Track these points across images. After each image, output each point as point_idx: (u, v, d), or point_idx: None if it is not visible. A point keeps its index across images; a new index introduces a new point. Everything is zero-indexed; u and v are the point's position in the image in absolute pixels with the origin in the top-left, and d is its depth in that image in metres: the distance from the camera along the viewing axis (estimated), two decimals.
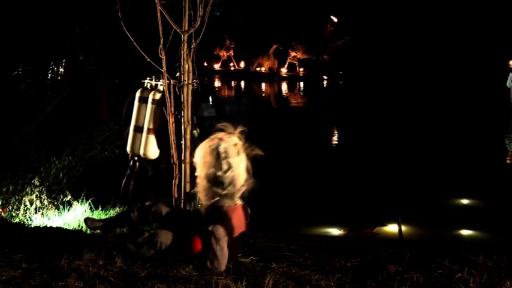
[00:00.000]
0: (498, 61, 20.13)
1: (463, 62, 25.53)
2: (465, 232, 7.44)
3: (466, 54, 26.40)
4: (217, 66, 32.74)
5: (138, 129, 5.95)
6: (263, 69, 31.09)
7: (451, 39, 28.08)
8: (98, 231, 4.92)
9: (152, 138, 5.88)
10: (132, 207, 4.78)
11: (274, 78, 30.06)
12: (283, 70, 30.84)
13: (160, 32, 5.29)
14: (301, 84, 28.93)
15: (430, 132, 14.61)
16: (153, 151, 5.87)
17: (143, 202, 4.64)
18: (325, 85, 29.01)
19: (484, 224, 7.65)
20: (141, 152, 5.99)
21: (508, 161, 12.34)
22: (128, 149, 6.17)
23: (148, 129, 5.97)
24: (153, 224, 4.53)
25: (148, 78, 6.30)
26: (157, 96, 6.01)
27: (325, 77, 29.80)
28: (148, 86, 6.24)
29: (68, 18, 12.06)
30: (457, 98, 20.09)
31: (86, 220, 4.95)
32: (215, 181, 4.24)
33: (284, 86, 28.49)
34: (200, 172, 4.31)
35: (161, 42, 5.29)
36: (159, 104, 5.82)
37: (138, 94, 6.19)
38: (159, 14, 5.30)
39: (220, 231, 4.16)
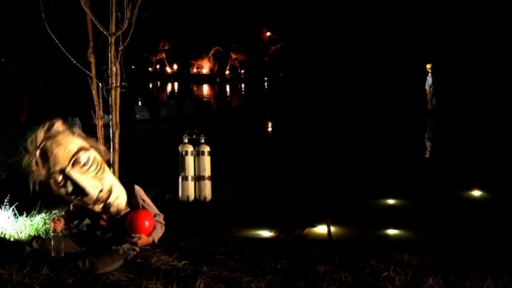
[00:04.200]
0: (417, 64, 20.88)
1: (388, 65, 26.30)
2: (391, 231, 7.62)
3: (390, 57, 27.20)
4: (151, 68, 32.35)
5: (201, 178, 7.07)
6: (204, 71, 30.93)
7: (377, 45, 28.84)
8: (23, 238, 4.77)
9: (209, 184, 7.04)
10: None
11: (216, 80, 29.97)
12: (226, 72, 30.85)
13: (90, 35, 5.20)
14: (243, 85, 29.00)
15: (356, 134, 14.94)
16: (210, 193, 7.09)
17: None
18: (265, 87, 29.18)
19: (409, 223, 7.86)
20: (206, 196, 7.15)
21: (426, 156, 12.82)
22: (191, 196, 7.18)
23: (208, 176, 7.09)
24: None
25: (186, 135, 7.23)
26: (207, 148, 7.05)
27: (265, 79, 29.98)
28: (186, 141, 7.12)
29: None
30: (381, 100, 20.65)
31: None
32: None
33: (226, 88, 28.45)
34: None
35: (90, 45, 5.20)
36: (209, 155, 7.04)
37: (183, 149, 7.09)
38: (88, 16, 5.21)
39: None
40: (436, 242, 5.83)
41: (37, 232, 5.74)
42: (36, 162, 3.87)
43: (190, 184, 7.16)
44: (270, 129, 17.46)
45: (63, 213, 4.45)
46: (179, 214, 7.66)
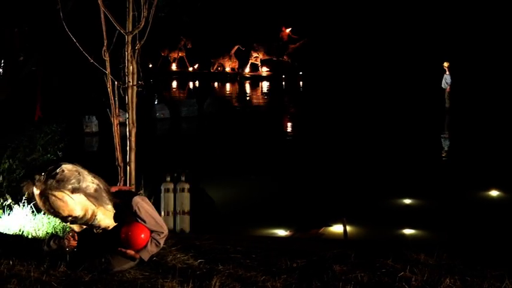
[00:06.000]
0: (434, 63, 20.76)
1: (403, 63, 26.19)
2: (407, 231, 7.60)
3: (406, 56, 27.08)
4: (174, 67, 32.43)
5: (176, 213, 7.49)
6: (228, 69, 30.93)
7: (393, 43, 28.74)
8: (41, 235, 4.81)
9: (187, 218, 7.46)
10: None
11: (237, 78, 30.01)
12: (246, 70, 30.85)
13: (104, 33, 5.21)
14: (263, 84, 29.03)
15: (373, 133, 14.89)
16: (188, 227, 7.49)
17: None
18: (285, 85, 29.13)
19: (425, 223, 7.83)
20: (184, 229, 7.48)
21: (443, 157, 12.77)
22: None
23: (187, 211, 7.50)
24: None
25: (168, 174, 7.73)
26: (186, 185, 7.49)
27: (283, 77, 29.97)
28: (168, 179, 7.60)
29: (6, 18, 11.72)
30: (398, 98, 20.55)
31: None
32: (101, 196, 4.12)
33: (246, 87, 28.46)
34: (81, 210, 4.05)
35: (105, 43, 5.22)
36: (189, 191, 7.50)
37: (164, 187, 7.59)
38: (102, 14, 5.23)
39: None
40: (453, 242, 5.80)
41: (54, 230, 5.78)
42: (35, 195, 3.98)
43: (170, 218, 7.62)
44: (287, 128, 17.46)
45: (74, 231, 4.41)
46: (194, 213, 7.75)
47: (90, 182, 4.06)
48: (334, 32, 30.23)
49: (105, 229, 4.19)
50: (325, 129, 15.73)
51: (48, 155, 8.27)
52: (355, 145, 13.30)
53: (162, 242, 4.33)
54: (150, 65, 31.46)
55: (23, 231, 5.65)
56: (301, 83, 29.16)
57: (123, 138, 5.51)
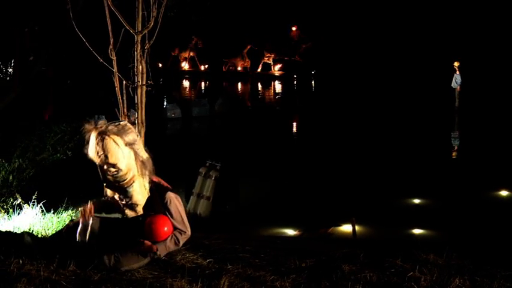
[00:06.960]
0: (444, 62, 20.67)
1: (414, 63, 26.11)
2: (417, 231, 7.57)
3: (416, 55, 27.00)
4: (186, 66, 32.41)
5: (200, 196, 7.93)
6: (240, 68, 30.89)
7: (404, 43, 28.68)
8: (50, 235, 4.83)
9: (208, 203, 7.86)
10: None
11: (249, 78, 29.99)
12: (259, 70, 30.82)
13: (110, 32, 5.24)
14: (276, 84, 29.01)
15: (383, 132, 14.84)
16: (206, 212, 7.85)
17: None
18: (297, 85, 29.07)
19: (435, 223, 7.80)
20: (201, 213, 7.86)
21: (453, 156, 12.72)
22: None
23: (210, 198, 7.88)
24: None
25: (208, 161, 8.25)
26: (216, 173, 7.90)
27: (295, 76, 29.93)
28: (207, 165, 8.11)
29: (16, 18, 11.79)
30: (407, 97, 20.46)
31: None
32: (146, 169, 4.26)
33: (259, 86, 28.41)
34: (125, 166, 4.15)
35: (111, 42, 5.24)
36: (216, 179, 7.89)
37: (201, 170, 8.12)
38: (107, 13, 5.25)
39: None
40: (463, 242, 5.78)
41: None
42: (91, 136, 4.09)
43: (195, 201, 8.05)
44: (298, 128, 17.41)
45: (92, 203, 4.36)
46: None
47: (143, 150, 4.25)
48: (346, 31, 30.20)
49: (128, 213, 4.26)
50: (335, 128, 15.69)
51: (58, 155, 8.32)
52: (365, 144, 13.26)
53: (181, 242, 4.39)
54: (160, 65, 31.47)
55: (32, 230, 5.68)
56: (313, 82, 29.10)
57: None
